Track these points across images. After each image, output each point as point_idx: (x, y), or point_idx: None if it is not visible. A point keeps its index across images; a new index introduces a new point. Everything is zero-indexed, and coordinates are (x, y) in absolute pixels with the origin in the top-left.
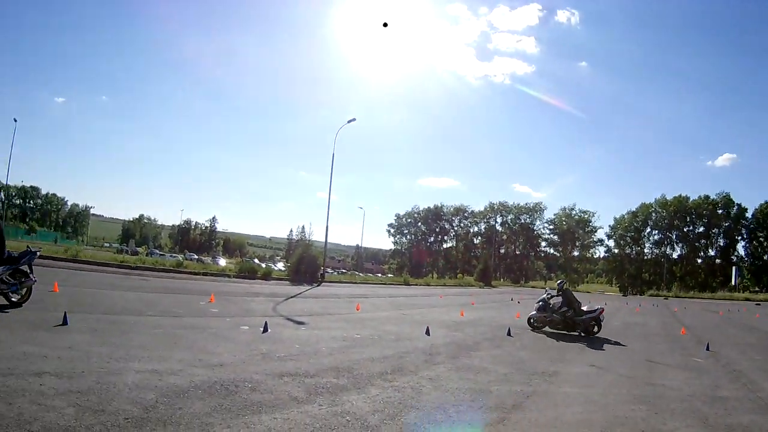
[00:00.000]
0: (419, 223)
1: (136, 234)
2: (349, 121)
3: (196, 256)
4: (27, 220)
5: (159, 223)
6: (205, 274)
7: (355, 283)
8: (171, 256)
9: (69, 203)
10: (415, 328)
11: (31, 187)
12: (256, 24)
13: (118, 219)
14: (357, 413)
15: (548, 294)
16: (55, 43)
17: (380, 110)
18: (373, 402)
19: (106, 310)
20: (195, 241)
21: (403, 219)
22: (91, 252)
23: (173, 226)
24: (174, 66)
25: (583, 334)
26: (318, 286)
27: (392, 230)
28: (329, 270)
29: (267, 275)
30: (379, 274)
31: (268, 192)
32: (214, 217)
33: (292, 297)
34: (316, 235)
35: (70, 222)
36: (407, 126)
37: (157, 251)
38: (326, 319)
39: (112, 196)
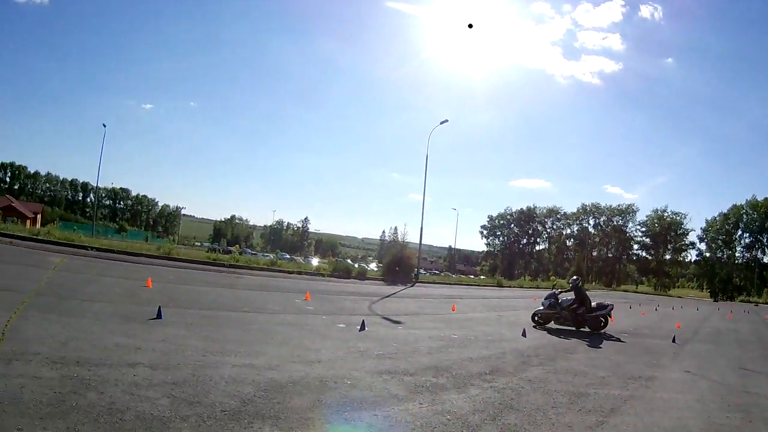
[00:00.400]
0: (512, 225)
1: (228, 234)
2: (441, 123)
3: (288, 256)
4: (117, 219)
5: (251, 223)
6: (299, 272)
7: (449, 284)
8: (263, 255)
9: (160, 204)
10: (511, 329)
11: (121, 188)
12: (344, 28)
13: (209, 219)
14: (457, 413)
15: (558, 290)
16: (141, 53)
17: (470, 111)
18: (474, 402)
19: (200, 305)
20: (287, 241)
21: (496, 220)
22: (184, 250)
23: (265, 226)
24: (263, 71)
25: (588, 329)
26: (412, 286)
27: (485, 232)
28: (422, 271)
29: (361, 275)
30: (472, 276)
31: (360, 193)
32: (306, 218)
33: (387, 296)
34: (410, 236)
35: (160, 222)
36: (497, 127)
37: (249, 250)
38: (422, 318)
39: (203, 198)
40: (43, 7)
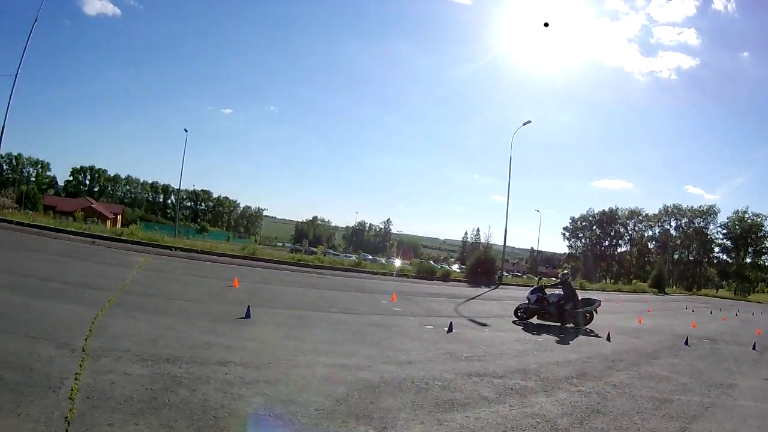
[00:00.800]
0: (594, 227)
1: (310, 234)
2: (524, 124)
3: (370, 257)
4: (198, 220)
5: (333, 224)
6: (383, 274)
7: (531, 286)
8: (345, 256)
9: (241, 205)
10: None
11: (202, 190)
12: (420, 30)
13: (290, 220)
14: (546, 416)
15: (543, 285)
16: (219, 58)
17: (550, 110)
18: (562, 405)
19: (288, 305)
20: (369, 242)
21: (578, 222)
22: (269, 251)
23: (347, 227)
24: (341, 74)
25: (572, 325)
26: (495, 288)
27: (567, 233)
28: (504, 273)
29: (445, 276)
30: (554, 278)
31: (442, 194)
32: (388, 219)
33: (471, 298)
34: (492, 238)
35: (242, 223)
36: (578, 126)
37: (332, 251)
38: (507, 321)
39: (285, 199)
40: (116, 19)
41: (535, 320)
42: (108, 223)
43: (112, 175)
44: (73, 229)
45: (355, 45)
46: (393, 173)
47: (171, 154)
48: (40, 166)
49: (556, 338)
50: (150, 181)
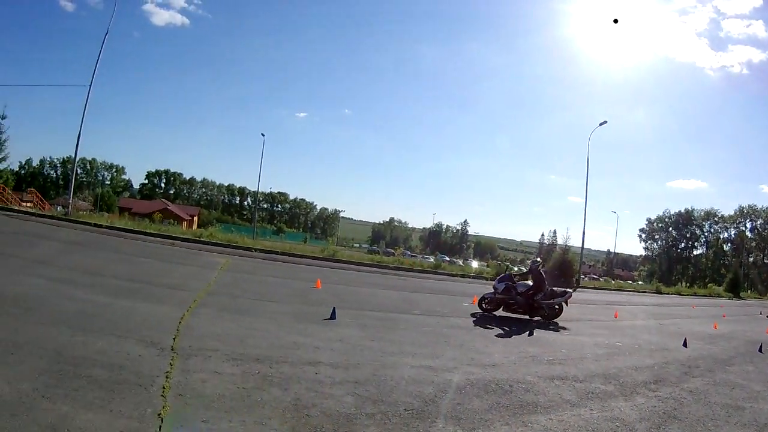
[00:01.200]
0: (670, 228)
1: (387, 236)
2: (600, 124)
3: (447, 258)
4: (275, 222)
5: (409, 226)
6: (462, 276)
7: (609, 289)
8: (423, 257)
9: (318, 207)
10: (672, 339)
11: (279, 192)
12: (492, 30)
13: (367, 222)
14: (625, 420)
15: (514, 271)
16: (292, 64)
17: (621, 109)
18: (640, 410)
19: (371, 307)
20: (445, 244)
21: (654, 223)
22: (348, 252)
23: (424, 228)
24: (415, 75)
25: (540, 319)
26: (573, 291)
27: (643, 235)
28: (582, 276)
29: None
30: (630, 281)
31: (518, 195)
32: (465, 221)
33: None
34: (570, 240)
35: (318, 224)
36: (650, 125)
37: (409, 252)
38: (586, 324)
39: (361, 200)
40: (185, 29)
41: (500, 312)
42: (184, 224)
43: (187, 178)
44: (151, 231)
45: (427, 46)
46: (469, 174)
47: (245, 157)
48: (114, 170)
49: (634, 343)
50: (226, 184)
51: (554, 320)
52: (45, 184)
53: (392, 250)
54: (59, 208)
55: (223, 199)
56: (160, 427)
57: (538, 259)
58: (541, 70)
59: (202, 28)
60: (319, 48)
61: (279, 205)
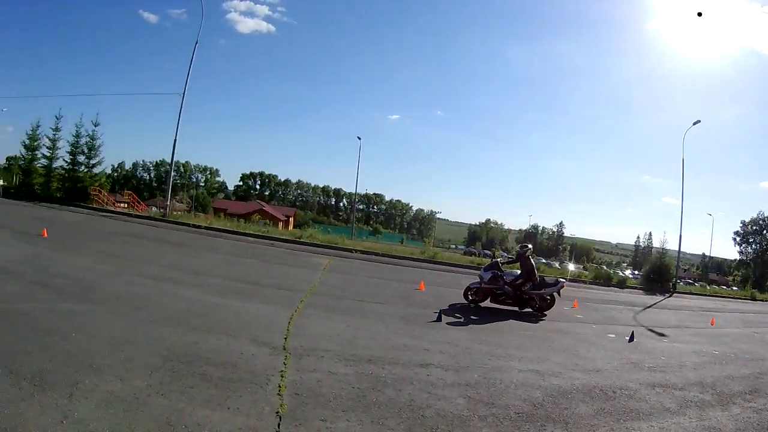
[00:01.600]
0: (764, 231)
1: (482, 237)
2: (694, 123)
3: (544, 260)
4: (371, 223)
5: (505, 227)
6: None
7: (704, 295)
8: None
9: (414, 208)
10: (766, 348)
11: (374, 194)
12: (578, 28)
13: (463, 223)
14: (722, 430)
15: (501, 259)
16: (382, 68)
17: (712, 106)
18: (736, 420)
19: (473, 310)
20: (542, 246)
21: (749, 226)
22: (447, 254)
23: (520, 230)
24: (505, 77)
25: (531, 310)
26: (670, 296)
27: (738, 238)
28: (677, 280)
29: (621, 283)
30: (724, 287)
31: (612, 197)
32: (561, 222)
33: (648, 307)
34: (666, 243)
35: (415, 225)
36: (741, 122)
37: (505, 254)
38: (684, 332)
39: (457, 201)
40: (271, 36)
41: (487, 303)
42: (280, 225)
43: (282, 179)
44: (251, 232)
45: (513, 46)
46: (564, 174)
47: (340, 159)
48: (208, 172)
49: (730, 352)
50: (321, 185)
51: (545, 312)
52: (138, 186)
53: (489, 252)
54: (153, 209)
55: (318, 200)
56: (279, 424)
57: (528, 245)
58: (630, 67)
59: (289, 34)
60: (407, 50)
61: (375, 206)
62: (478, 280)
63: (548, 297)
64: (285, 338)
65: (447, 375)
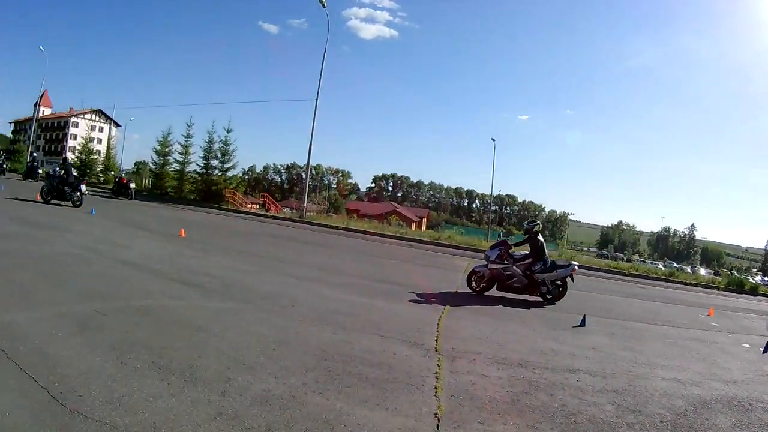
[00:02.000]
0: None
1: (615, 239)
2: None
3: (675, 264)
4: (504, 224)
5: (637, 229)
6: (695, 285)
7: None
8: (651, 263)
9: (546, 209)
10: None
11: (507, 195)
12: (704, 21)
13: (595, 224)
14: None
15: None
16: (510, 68)
17: None
18: None
19: (616, 315)
20: (672, 249)
21: None
22: (585, 257)
23: (651, 232)
24: (631, 74)
25: (548, 297)
26: None
27: None
28: None
29: (753, 290)
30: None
31: (742, 198)
32: (692, 225)
33: None
34: None
35: (547, 227)
36: None
37: (638, 257)
38: None
39: (589, 203)
40: (394, 41)
41: (492, 292)
42: (413, 226)
43: (414, 181)
44: (388, 233)
45: (641, 42)
46: (696, 175)
47: (471, 159)
48: (340, 174)
49: None
50: (453, 187)
51: (555, 302)
52: (270, 188)
53: (621, 255)
54: (286, 210)
55: (451, 201)
56: (437, 426)
57: (536, 221)
58: (755, 60)
59: (412, 38)
60: (532, 49)
61: (507, 208)
62: (484, 263)
63: (560, 282)
64: (436, 340)
65: (595, 381)
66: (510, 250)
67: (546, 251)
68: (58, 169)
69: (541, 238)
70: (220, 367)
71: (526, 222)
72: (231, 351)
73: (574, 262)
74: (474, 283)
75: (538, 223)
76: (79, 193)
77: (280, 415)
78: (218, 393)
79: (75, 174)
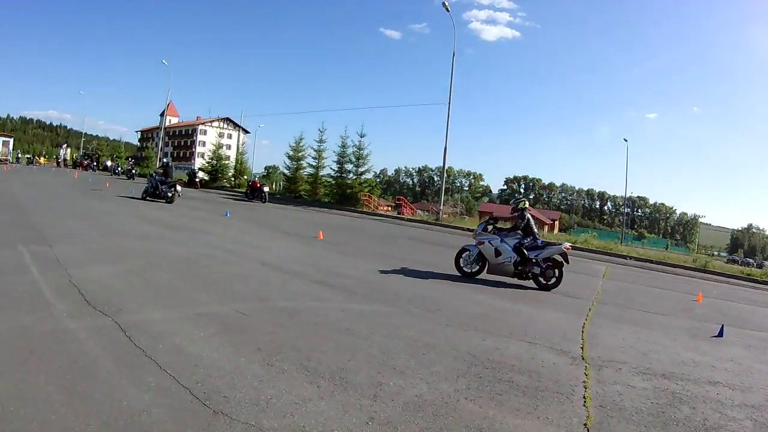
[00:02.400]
0: None
1: (744, 243)
2: None
3: None
4: (635, 227)
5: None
6: None
7: None
8: None
9: (677, 212)
10: None
11: (638, 197)
12: None
13: (725, 228)
14: None
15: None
16: (635, 65)
17: None
18: None
19: (752, 326)
20: None
21: None
22: (719, 264)
23: None
24: (750, 67)
25: (543, 283)
26: None
27: None
28: None
29: None
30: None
31: None
32: None
33: None
34: None
35: (678, 229)
36: None
37: (767, 263)
38: None
39: (720, 204)
40: (516, 41)
41: (483, 275)
42: (545, 228)
43: (546, 183)
44: None
45: (753, 30)
46: None
47: (602, 160)
48: (472, 177)
49: None
50: (585, 188)
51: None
52: (402, 191)
53: (751, 260)
54: (419, 212)
55: (582, 203)
56: None
57: (522, 198)
58: None
59: (535, 38)
60: (659, 45)
61: (639, 210)
62: (475, 242)
63: (551, 264)
64: (581, 347)
65: (734, 395)
66: (497, 224)
67: (534, 228)
68: (160, 170)
69: (528, 214)
70: (371, 371)
71: (512, 201)
72: (380, 354)
73: (567, 243)
74: (462, 262)
75: (524, 200)
76: (171, 193)
77: (434, 421)
78: (369, 398)
79: (174, 176)
